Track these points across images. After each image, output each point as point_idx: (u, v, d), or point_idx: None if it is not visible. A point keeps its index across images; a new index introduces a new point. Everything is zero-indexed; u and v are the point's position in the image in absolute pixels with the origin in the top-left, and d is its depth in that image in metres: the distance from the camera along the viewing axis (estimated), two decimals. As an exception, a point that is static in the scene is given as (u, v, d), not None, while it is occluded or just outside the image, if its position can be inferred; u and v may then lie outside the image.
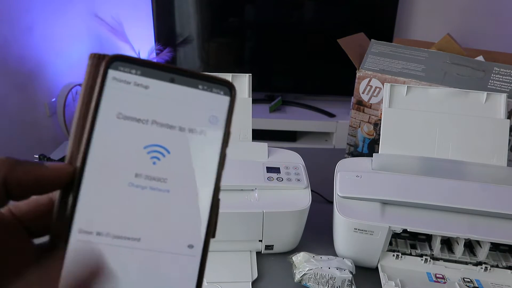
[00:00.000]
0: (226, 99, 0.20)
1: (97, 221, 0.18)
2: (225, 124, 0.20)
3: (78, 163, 0.18)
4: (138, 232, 0.18)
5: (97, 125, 0.18)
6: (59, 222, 0.18)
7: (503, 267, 0.58)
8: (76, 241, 0.17)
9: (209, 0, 2.09)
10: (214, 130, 0.20)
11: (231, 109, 0.20)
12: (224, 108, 0.20)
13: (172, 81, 0.19)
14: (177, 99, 0.19)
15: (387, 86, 0.70)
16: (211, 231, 0.20)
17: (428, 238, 0.61)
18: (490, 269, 0.58)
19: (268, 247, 0.64)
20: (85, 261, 0.17)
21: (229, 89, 0.20)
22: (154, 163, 0.19)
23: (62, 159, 0.91)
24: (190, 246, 0.19)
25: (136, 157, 0.18)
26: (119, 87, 0.18)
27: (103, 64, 0.18)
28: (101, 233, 0.18)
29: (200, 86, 0.20)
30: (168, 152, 0.19)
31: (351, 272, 0.56)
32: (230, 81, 0.21)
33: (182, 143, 0.19)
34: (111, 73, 0.18)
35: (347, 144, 0.93)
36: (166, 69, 0.19)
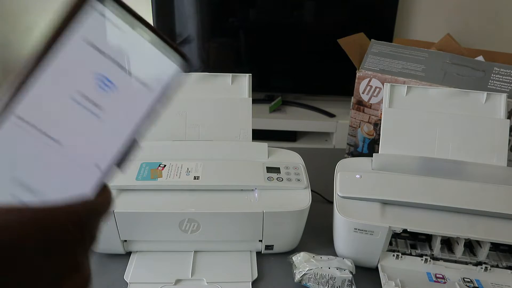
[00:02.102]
0: (177, 68, 0.23)
1: (34, 114, 0.21)
2: (166, 86, 0.23)
3: (40, 60, 0.21)
4: (60, 137, 0.22)
5: (65, 36, 0.21)
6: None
7: (503, 267, 0.58)
8: (11, 122, 0.21)
9: (209, 0, 2.09)
10: (157, 89, 0.23)
11: (177, 78, 0.24)
12: (171, 73, 0.23)
13: (142, 35, 0.23)
14: (140, 50, 0.23)
15: (387, 86, 0.70)
16: (120, 163, 0.23)
17: (428, 238, 0.61)
18: (490, 269, 0.58)
19: (268, 247, 0.64)
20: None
21: (184, 62, 0.24)
22: (98, 90, 0.22)
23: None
24: (97, 166, 0.23)
25: (85, 79, 0.22)
26: (98, 18, 0.21)
27: None
28: (33, 125, 0.21)
29: (162, 50, 0.23)
30: (115, 87, 0.22)
31: (351, 272, 0.56)
32: (188, 56, 0.24)
33: (127, 85, 0.23)
34: (97, 4, 0.21)
35: (347, 144, 0.93)
36: (142, 22, 0.22)
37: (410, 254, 0.60)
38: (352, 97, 0.89)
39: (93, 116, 0.22)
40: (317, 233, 0.68)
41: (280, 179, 0.62)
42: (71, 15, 0.21)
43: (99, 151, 0.23)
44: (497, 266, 0.58)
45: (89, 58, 0.22)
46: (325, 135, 2.19)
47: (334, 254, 0.62)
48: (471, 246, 0.61)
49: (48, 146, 0.22)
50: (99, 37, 0.22)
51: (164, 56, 0.23)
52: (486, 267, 0.58)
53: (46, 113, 0.21)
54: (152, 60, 0.23)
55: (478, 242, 0.59)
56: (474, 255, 0.60)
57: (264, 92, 2.26)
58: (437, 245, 0.58)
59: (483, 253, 0.57)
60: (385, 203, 0.59)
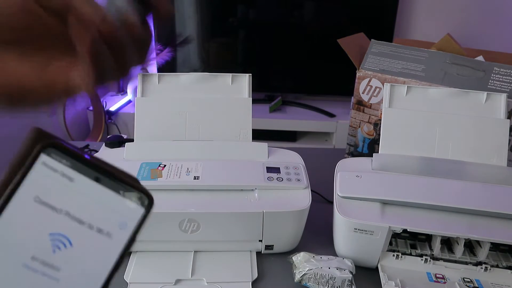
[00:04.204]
0: (141, 210, 0.21)
1: None
2: (132, 232, 0.21)
3: None
4: None
5: (12, 200, 0.19)
6: None
7: (503, 267, 0.58)
8: None
9: (209, 0, 2.09)
10: (120, 235, 0.21)
11: (143, 220, 0.21)
12: (137, 217, 0.21)
13: (96, 180, 0.20)
14: (96, 198, 0.20)
15: (387, 86, 0.70)
16: None
17: (428, 238, 0.61)
18: (490, 269, 0.58)
19: (268, 247, 0.64)
20: None
21: (147, 201, 0.21)
22: (54, 251, 0.20)
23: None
24: None
25: (38, 242, 0.19)
26: (46, 172, 0.19)
27: (37, 146, 0.19)
28: None
29: (120, 192, 0.21)
30: (71, 244, 0.20)
31: (351, 272, 0.56)
32: (150, 194, 0.21)
33: (86, 239, 0.20)
34: (43, 157, 0.19)
35: (347, 144, 0.93)
36: (94, 167, 0.20)
37: (410, 254, 0.60)
38: (352, 97, 0.89)
39: (51, 281, 0.20)
40: (317, 233, 0.68)
41: (280, 179, 0.62)
42: (20, 178, 0.19)
43: None
44: (497, 266, 0.58)
45: (42, 218, 0.19)
46: (325, 135, 2.19)
47: (334, 254, 0.62)
48: (471, 246, 0.61)
49: None
50: (52, 193, 0.20)
51: (126, 199, 0.21)
52: (486, 267, 0.58)
53: None
54: (113, 206, 0.21)
55: (478, 242, 0.59)
56: (474, 255, 0.59)
57: (264, 92, 2.27)
58: (437, 245, 0.58)
59: (483, 253, 0.57)
60: (385, 203, 0.59)
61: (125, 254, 0.21)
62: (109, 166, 0.21)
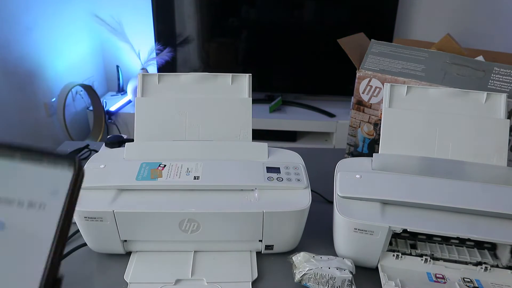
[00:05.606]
0: (69, 174, 0.20)
1: None
2: (66, 198, 0.20)
3: None
4: None
5: None
6: None
7: (503, 267, 0.58)
8: None
9: (209, 0, 2.09)
10: (54, 204, 0.20)
11: (75, 183, 0.21)
12: (67, 182, 0.20)
13: (11, 158, 0.20)
14: (19, 174, 0.20)
15: (387, 86, 0.70)
16: None
17: (428, 237, 0.61)
18: (490, 269, 0.58)
19: (268, 247, 0.64)
20: None
21: (73, 164, 0.21)
22: None
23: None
24: None
25: None
26: None
27: None
28: None
29: (44, 162, 0.20)
30: (3, 227, 0.19)
31: (351, 272, 0.56)
32: (75, 157, 0.21)
33: (19, 217, 0.20)
34: None
35: (347, 144, 0.93)
36: (9, 146, 0.20)
37: (410, 254, 0.60)
38: (352, 97, 0.89)
39: None
40: (317, 233, 0.68)
41: (280, 179, 0.62)
42: None
43: None
44: (497, 266, 0.58)
45: None
46: (325, 135, 2.20)
47: (334, 254, 0.62)
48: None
49: None
50: None
51: (51, 167, 0.20)
52: (486, 267, 0.58)
53: None
54: (39, 178, 0.20)
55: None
56: (476, 255, 0.59)
57: (264, 92, 2.27)
58: (506, 254, 0.58)
59: (486, 254, 0.57)
60: (385, 203, 0.59)
61: (66, 225, 0.20)
62: (24, 144, 0.20)
